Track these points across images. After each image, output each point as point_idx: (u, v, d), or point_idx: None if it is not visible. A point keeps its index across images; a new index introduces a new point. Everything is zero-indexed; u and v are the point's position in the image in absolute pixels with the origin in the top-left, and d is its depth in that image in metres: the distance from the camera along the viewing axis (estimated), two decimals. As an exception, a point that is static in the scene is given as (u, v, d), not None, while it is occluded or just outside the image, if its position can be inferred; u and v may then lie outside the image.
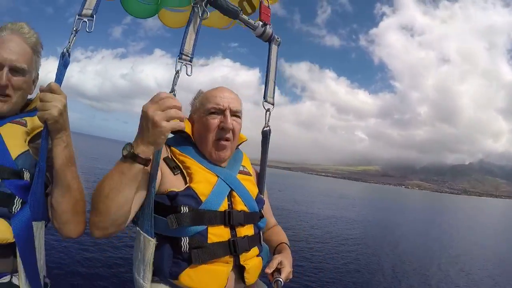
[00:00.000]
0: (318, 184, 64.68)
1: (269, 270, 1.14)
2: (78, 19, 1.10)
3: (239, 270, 1.13)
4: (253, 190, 1.29)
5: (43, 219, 1.04)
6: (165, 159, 1.15)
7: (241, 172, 1.29)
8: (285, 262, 1.17)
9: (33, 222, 0.98)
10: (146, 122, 0.87)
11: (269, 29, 1.57)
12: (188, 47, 1.22)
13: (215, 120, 1.19)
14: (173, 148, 1.20)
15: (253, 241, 1.19)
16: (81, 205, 1.06)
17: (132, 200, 0.99)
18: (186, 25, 1.28)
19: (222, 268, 1.09)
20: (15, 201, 0.99)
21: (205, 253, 1.05)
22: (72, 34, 1.09)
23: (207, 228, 1.07)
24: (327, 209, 18.09)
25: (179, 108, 0.91)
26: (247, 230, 1.17)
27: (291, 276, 1.16)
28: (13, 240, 0.95)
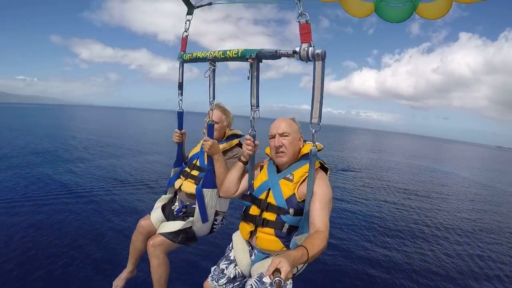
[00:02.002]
0: None
1: (268, 273, 1.22)
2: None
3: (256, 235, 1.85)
4: (287, 192, 1.74)
5: (213, 187, 2.17)
6: (260, 167, 2.01)
7: (285, 178, 1.80)
8: (284, 261, 1.22)
9: (203, 189, 2.16)
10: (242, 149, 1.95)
11: (303, 52, 1.52)
12: (254, 101, 1.88)
13: (272, 143, 1.87)
14: (266, 161, 2.02)
15: (270, 224, 1.76)
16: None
17: (238, 181, 1.98)
18: (250, 85, 1.77)
19: (248, 227, 1.86)
20: (201, 180, 2.22)
21: (245, 217, 1.89)
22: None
23: (251, 205, 1.86)
24: None
25: (251, 145, 1.90)
26: (268, 215, 1.77)
27: (290, 275, 1.22)
28: (195, 193, 2.18)
